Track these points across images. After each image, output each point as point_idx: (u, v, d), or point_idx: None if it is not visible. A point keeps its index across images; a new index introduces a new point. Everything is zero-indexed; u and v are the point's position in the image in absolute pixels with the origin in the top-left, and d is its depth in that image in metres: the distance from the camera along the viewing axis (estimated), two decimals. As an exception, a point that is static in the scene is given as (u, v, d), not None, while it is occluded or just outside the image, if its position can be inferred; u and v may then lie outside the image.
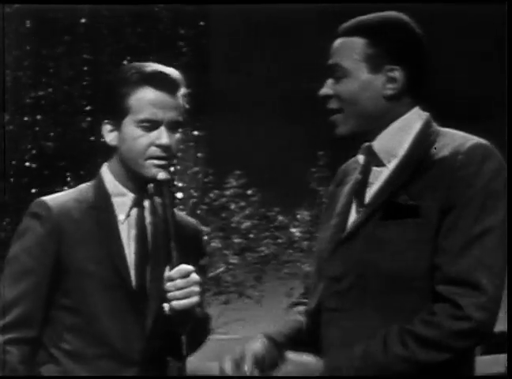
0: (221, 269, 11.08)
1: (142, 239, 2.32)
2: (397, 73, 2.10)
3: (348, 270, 2.09)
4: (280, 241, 11.64)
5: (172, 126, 2.28)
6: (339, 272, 2.10)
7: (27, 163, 5.14)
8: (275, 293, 11.00)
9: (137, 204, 2.33)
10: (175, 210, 2.27)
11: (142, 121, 2.25)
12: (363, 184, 2.17)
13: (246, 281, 11.40)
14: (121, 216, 2.31)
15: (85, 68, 5.88)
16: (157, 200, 2.34)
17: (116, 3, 4.95)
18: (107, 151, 2.37)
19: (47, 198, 2.32)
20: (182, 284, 2.19)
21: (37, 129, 5.09)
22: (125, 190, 2.32)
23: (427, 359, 2.00)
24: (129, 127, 2.26)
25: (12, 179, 5.09)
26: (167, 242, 2.23)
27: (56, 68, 5.07)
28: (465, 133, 2.12)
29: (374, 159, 2.16)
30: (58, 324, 2.29)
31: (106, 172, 2.35)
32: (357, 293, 2.08)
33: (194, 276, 2.21)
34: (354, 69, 2.11)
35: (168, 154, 2.29)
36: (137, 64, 2.31)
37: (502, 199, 2.05)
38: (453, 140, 2.09)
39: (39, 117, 5.03)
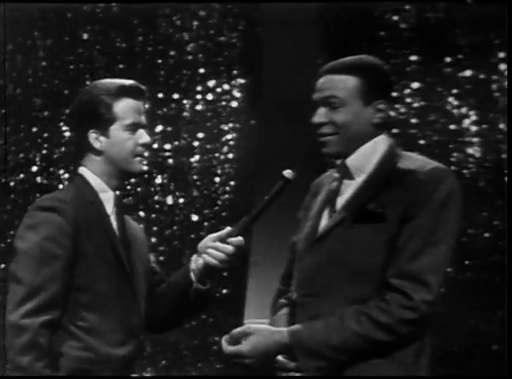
0: None
1: (123, 229, 2.75)
2: (383, 106, 2.58)
3: (320, 263, 2.57)
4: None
5: (145, 127, 2.75)
6: (313, 264, 2.59)
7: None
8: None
9: (119, 200, 2.76)
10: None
11: (129, 125, 2.69)
12: (335, 193, 2.65)
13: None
14: (108, 210, 2.72)
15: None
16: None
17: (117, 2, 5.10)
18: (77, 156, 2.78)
19: (58, 194, 2.71)
20: (224, 249, 2.66)
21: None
22: (106, 187, 2.72)
23: (377, 338, 2.46)
24: (118, 132, 2.69)
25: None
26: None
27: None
28: (425, 157, 2.61)
29: (346, 173, 2.64)
30: (74, 304, 2.59)
31: (87, 172, 2.73)
32: (326, 282, 2.55)
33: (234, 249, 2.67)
34: (349, 101, 2.56)
35: (149, 150, 2.75)
36: (110, 81, 2.75)
37: (455, 215, 2.52)
38: (415, 161, 2.56)
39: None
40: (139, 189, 5.21)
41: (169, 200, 5.16)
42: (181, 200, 5.13)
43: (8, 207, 5.21)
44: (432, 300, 2.46)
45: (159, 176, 5.19)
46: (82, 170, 2.74)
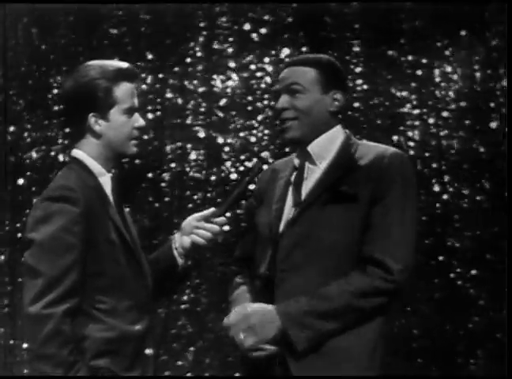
0: None
1: (122, 210, 2.79)
2: (339, 96, 2.82)
3: (298, 242, 2.75)
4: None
5: (138, 110, 2.78)
6: (291, 243, 2.76)
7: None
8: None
9: (115, 182, 2.78)
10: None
11: (127, 109, 2.72)
12: (299, 178, 2.84)
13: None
14: (107, 192, 2.74)
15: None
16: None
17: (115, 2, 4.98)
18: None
19: (65, 182, 2.67)
20: (209, 227, 2.78)
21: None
22: (104, 170, 2.74)
23: (359, 305, 2.67)
24: (117, 115, 2.71)
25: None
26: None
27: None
28: (378, 144, 2.87)
29: (308, 159, 2.85)
30: (91, 288, 2.62)
31: (84, 156, 2.74)
32: (303, 257, 2.73)
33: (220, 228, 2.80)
34: (310, 88, 2.80)
35: (143, 133, 2.82)
36: (105, 63, 2.76)
37: (415, 193, 2.82)
38: (375, 147, 2.83)
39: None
40: (173, 164, 5.13)
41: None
42: (213, 178, 5.02)
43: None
44: (405, 270, 2.69)
45: (193, 152, 5.08)
46: (78, 153, 2.75)
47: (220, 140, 5.09)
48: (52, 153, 5.13)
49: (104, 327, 2.61)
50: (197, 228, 2.79)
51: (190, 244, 2.81)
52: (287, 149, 4.95)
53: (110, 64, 2.75)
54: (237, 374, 4.78)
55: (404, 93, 5.05)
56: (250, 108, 5.10)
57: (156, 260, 2.86)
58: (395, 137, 4.99)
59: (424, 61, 5.03)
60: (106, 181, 2.74)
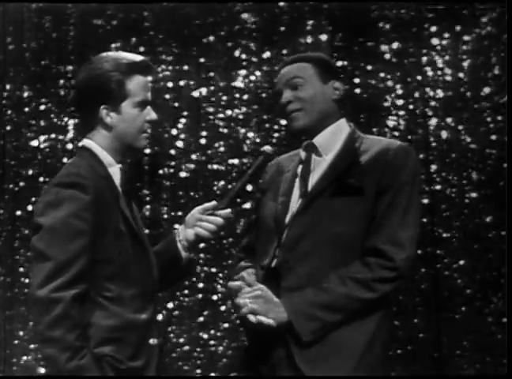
0: None
1: (130, 201, 2.79)
2: (338, 84, 2.95)
3: (305, 233, 2.79)
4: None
5: (151, 104, 2.78)
6: (298, 234, 2.80)
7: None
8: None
9: (124, 174, 2.78)
10: None
11: (139, 102, 2.72)
12: (306, 171, 2.89)
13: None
14: (116, 183, 2.75)
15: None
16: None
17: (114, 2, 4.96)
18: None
19: (76, 169, 2.67)
20: (213, 220, 2.82)
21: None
22: (113, 161, 2.75)
23: (362, 296, 2.72)
24: (129, 108, 2.72)
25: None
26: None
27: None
28: (382, 137, 3.14)
29: (314, 152, 2.91)
30: (98, 275, 2.63)
31: (94, 146, 2.74)
32: (311, 248, 2.77)
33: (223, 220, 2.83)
34: (310, 79, 2.90)
35: (154, 127, 2.82)
36: (119, 55, 2.76)
37: (420, 186, 3.12)
38: (379, 141, 2.93)
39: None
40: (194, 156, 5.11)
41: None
42: (235, 169, 5.04)
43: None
44: (408, 258, 2.78)
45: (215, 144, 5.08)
46: (89, 143, 2.75)
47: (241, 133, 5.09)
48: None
49: (109, 314, 2.62)
50: (200, 221, 2.83)
51: (193, 236, 2.85)
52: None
53: (124, 56, 2.74)
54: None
55: (389, 83, 5.01)
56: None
57: (160, 253, 2.88)
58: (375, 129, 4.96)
59: (411, 50, 5.00)
60: (115, 171, 2.74)
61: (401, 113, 5.02)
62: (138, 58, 2.76)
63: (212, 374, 4.94)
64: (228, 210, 2.84)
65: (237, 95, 5.08)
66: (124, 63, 2.71)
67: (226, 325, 4.96)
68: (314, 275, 2.75)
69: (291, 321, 2.71)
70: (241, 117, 5.09)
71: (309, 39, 5.00)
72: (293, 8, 5.04)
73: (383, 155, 2.84)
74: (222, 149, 5.07)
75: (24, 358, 4.93)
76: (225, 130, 5.08)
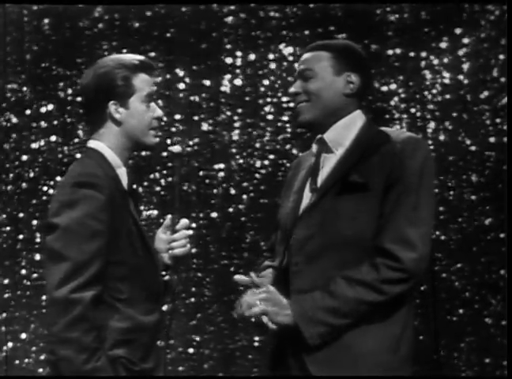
0: None
1: (136, 204, 2.82)
2: (353, 77, 2.79)
3: (312, 233, 2.70)
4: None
5: (156, 102, 2.82)
6: (305, 234, 2.71)
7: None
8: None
9: (131, 176, 2.78)
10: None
11: (146, 96, 2.75)
12: (316, 167, 2.80)
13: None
14: (124, 185, 2.75)
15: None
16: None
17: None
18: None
19: (90, 169, 2.65)
20: (181, 236, 2.79)
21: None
22: (120, 163, 2.75)
23: (370, 299, 2.62)
24: (137, 104, 2.74)
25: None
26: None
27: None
28: (399, 129, 2.95)
29: (324, 148, 2.80)
30: (111, 277, 2.63)
31: (102, 146, 2.74)
32: (319, 250, 2.69)
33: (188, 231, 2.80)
34: (321, 71, 2.79)
35: (161, 124, 2.82)
36: (123, 56, 2.80)
37: (432, 180, 2.73)
38: (392, 132, 2.76)
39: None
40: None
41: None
42: (221, 174, 5.04)
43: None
44: (418, 257, 2.63)
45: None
46: (96, 144, 2.76)
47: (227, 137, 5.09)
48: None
49: (122, 316, 2.63)
50: (169, 243, 2.80)
51: (171, 260, 2.82)
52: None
53: (128, 56, 2.79)
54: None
55: (392, 86, 5.02)
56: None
57: None
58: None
59: (412, 54, 5.00)
60: (122, 173, 2.74)
61: (402, 116, 5.02)
62: (142, 57, 2.80)
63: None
64: (185, 220, 2.81)
65: (223, 100, 5.10)
66: (129, 61, 2.75)
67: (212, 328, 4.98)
68: (323, 278, 2.66)
69: (297, 325, 2.65)
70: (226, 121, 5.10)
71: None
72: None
73: (391, 148, 2.69)
74: (208, 155, 5.07)
75: (26, 360, 4.98)
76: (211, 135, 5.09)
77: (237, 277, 2.80)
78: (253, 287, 2.77)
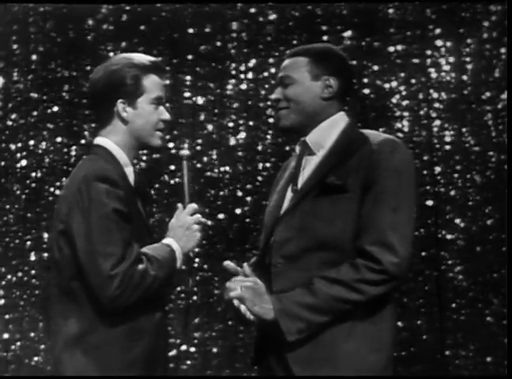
0: None
1: (143, 202, 2.82)
2: (332, 81, 2.82)
3: (292, 236, 2.74)
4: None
5: (165, 105, 2.83)
6: (284, 237, 2.76)
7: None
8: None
9: (137, 175, 2.81)
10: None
11: (155, 99, 2.77)
12: (297, 169, 2.85)
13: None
14: (131, 182, 2.77)
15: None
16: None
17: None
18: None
19: (104, 165, 2.67)
20: (196, 220, 2.79)
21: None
22: (128, 161, 2.78)
23: (350, 298, 2.64)
24: (145, 104, 2.77)
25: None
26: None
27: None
28: (379, 132, 2.85)
29: (307, 150, 2.85)
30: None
31: (110, 144, 2.76)
32: (298, 252, 2.72)
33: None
34: (300, 77, 2.84)
35: (167, 127, 2.85)
36: (134, 56, 2.80)
37: (410, 181, 2.74)
38: (372, 135, 2.78)
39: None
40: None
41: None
42: (227, 176, 5.08)
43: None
44: (399, 262, 2.65)
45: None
46: (104, 141, 2.77)
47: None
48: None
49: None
50: (186, 230, 2.78)
51: (194, 245, 2.80)
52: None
53: (140, 56, 2.81)
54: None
55: (394, 84, 5.02)
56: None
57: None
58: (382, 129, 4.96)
59: (416, 51, 4.99)
60: (130, 172, 2.77)
61: (406, 114, 5.02)
62: (153, 58, 2.81)
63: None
64: (193, 204, 2.81)
65: (228, 104, 5.12)
66: (140, 61, 2.77)
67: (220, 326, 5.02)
68: (303, 278, 2.68)
69: (277, 320, 2.66)
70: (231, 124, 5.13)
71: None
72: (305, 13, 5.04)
73: (369, 150, 2.71)
74: (214, 157, 5.11)
75: (35, 358, 5.04)
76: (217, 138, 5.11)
77: (226, 263, 2.81)
78: (242, 276, 2.79)
